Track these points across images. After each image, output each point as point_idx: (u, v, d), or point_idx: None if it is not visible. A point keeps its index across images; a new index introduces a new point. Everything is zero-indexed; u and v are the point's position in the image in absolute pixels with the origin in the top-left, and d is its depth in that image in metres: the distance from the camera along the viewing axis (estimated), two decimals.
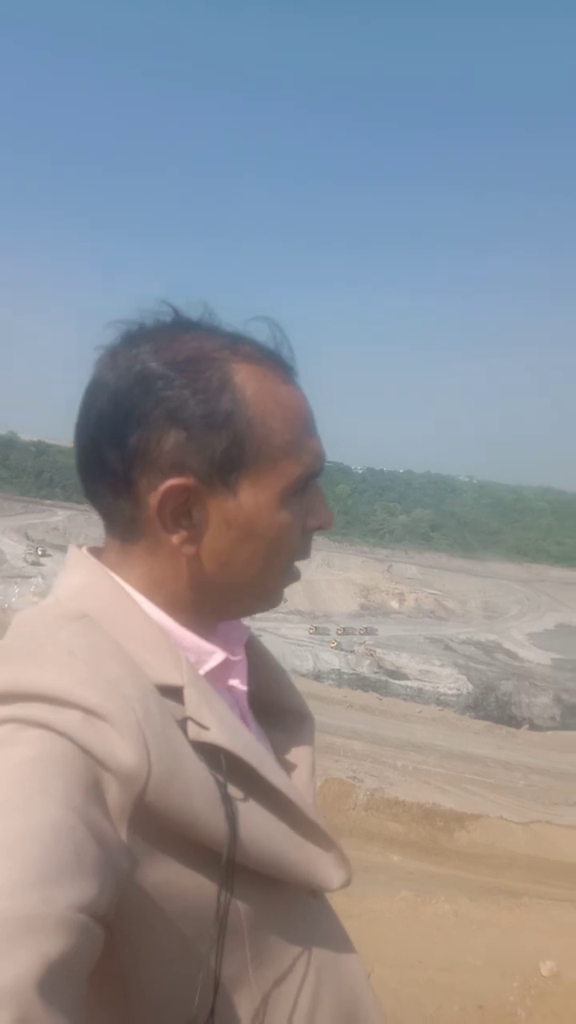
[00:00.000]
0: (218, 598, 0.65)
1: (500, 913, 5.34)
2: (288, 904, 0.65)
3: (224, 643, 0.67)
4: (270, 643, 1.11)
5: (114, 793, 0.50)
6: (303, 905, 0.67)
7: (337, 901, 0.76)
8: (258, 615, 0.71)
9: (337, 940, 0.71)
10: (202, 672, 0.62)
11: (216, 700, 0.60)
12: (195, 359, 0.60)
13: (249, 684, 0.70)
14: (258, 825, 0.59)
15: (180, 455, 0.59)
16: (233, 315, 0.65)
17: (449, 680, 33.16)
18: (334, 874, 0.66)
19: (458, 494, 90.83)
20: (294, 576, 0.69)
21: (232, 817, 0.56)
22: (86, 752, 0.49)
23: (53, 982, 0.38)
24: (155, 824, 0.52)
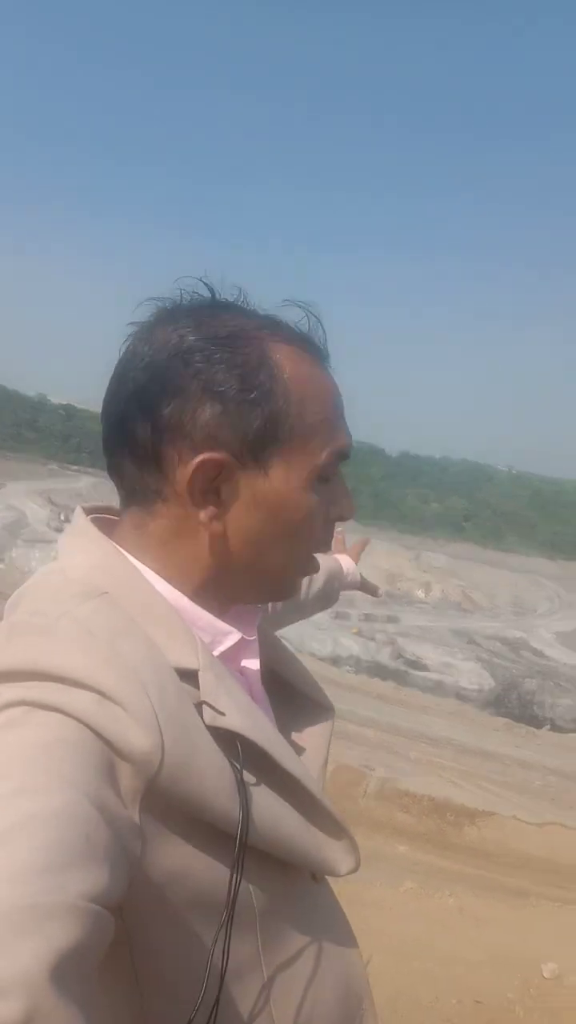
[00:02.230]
0: (236, 581, 0.64)
1: (505, 912, 5.32)
2: (296, 890, 0.66)
3: (238, 622, 0.66)
4: (291, 626, 1.09)
5: (127, 777, 0.50)
6: (308, 891, 0.68)
7: (340, 887, 0.76)
8: None
9: (340, 928, 0.72)
10: (216, 653, 0.62)
11: (232, 683, 0.60)
12: (235, 335, 0.60)
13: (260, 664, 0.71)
14: (270, 810, 0.59)
15: (214, 429, 0.59)
16: (267, 296, 0.66)
17: (471, 674, 32.92)
18: (343, 860, 0.67)
19: (494, 484, 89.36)
20: (313, 567, 0.68)
21: (246, 802, 0.55)
22: (99, 736, 0.49)
23: (64, 971, 0.38)
24: (168, 808, 0.52)
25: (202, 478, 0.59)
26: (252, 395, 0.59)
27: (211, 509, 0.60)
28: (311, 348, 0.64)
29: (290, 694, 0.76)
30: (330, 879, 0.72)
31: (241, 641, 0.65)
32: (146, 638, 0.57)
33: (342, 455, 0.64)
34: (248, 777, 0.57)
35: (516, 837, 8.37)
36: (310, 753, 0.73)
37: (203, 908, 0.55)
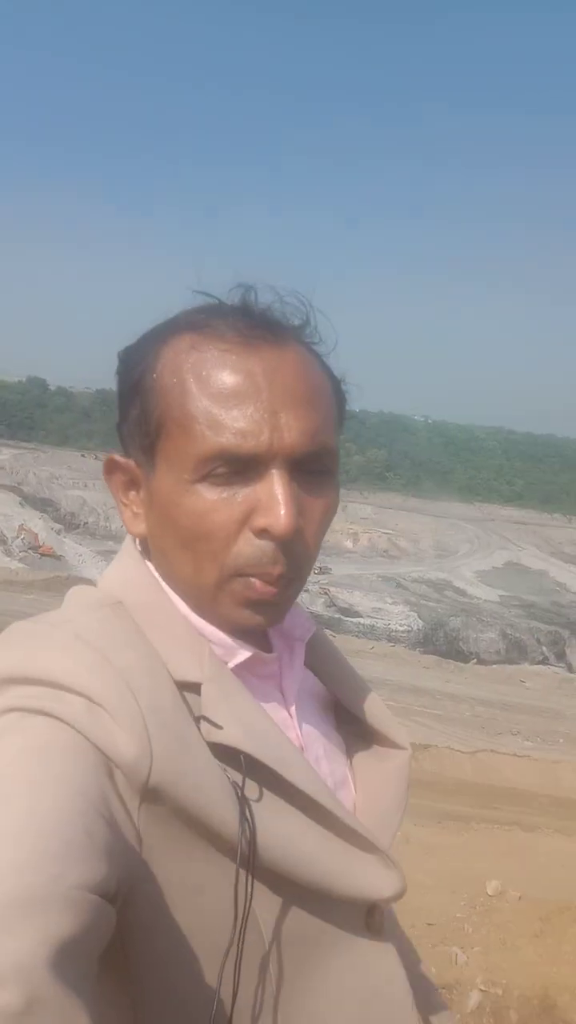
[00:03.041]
0: (184, 597, 0.61)
1: (449, 838, 5.64)
2: (334, 937, 0.59)
3: (281, 638, 0.67)
4: None
5: (122, 782, 0.49)
6: (355, 944, 0.61)
7: None
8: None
9: (391, 1001, 0.63)
10: (232, 665, 0.60)
11: (239, 696, 0.58)
12: (156, 332, 0.59)
13: (326, 685, 0.70)
14: (280, 827, 0.56)
15: (126, 437, 0.60)
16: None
17: (400, 617, 34.27)
18: (381, 882, 0.60)
19: (411, 434, 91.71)
20: (249, 591, 0.57)
21: (248, 817, 0.53)
22: (90, 741, 0.49)
23: (63, 960, 0.38)
24: (168, 816, 0.51)
25: (116, 484, 0.62)
26: (131, 390, 0.59)
27: (133, 513, 0.62)
28: (232, 331, 0.56)
29: (363, 729, 0.70)
30: None
31: (256, 656, 0.62)
32: (149, 648, 0.56)
33: (232, 452, 0.54)
34: (252, 793, 0.55)
35: (452, 766, 8.85)
36: (373, 795, 0.67)
37: (210, 927, 0.53)
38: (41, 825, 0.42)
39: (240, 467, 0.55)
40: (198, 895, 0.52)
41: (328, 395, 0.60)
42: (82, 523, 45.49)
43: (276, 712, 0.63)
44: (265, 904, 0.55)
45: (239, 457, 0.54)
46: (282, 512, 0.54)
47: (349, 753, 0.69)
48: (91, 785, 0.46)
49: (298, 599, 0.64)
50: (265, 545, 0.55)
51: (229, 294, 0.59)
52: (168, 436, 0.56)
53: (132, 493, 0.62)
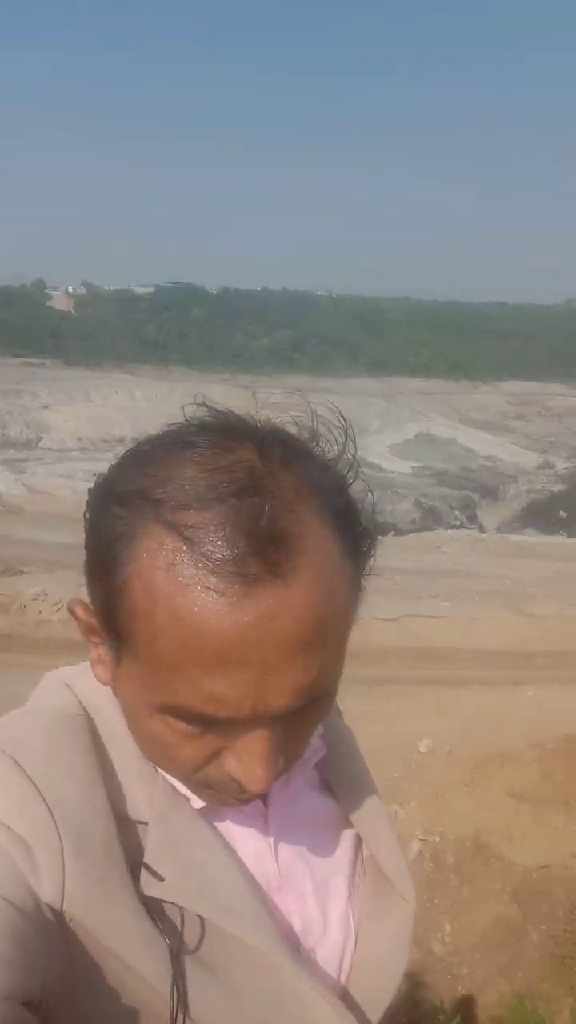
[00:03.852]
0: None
1: (381, 704, 5.89)
2: None
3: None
4: None
5: (49, 898, 0.48)
6: None
7: None
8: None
9: None
10: (198, 806, 0.56)
11: (191, 840, 0.54)
12: (130, 491, 0.47)
13: (340, 803, 0.65)
14: (218, 991, 0.52)
15: (89, 592, 0.51)
16: None
17: None
18: None
19: (317, 311, 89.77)
20: (224, 796, 0.52)
21: (179, 980, 0.50)
22: (15, 864, 0.48)
23: None
24: (95, 948, 0.49)
25: (80, 624, 0.54)
26: (103, 582, 0.48)
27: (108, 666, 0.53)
28: (217, 558, 0.43)
29: (378, 872, 0.65)
30: None
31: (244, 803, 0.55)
32: (94, 778, 0.53)
33: (203, 716, 0.46)
34: (193, 943, 0.52)
35: (377, 635, 9.22)
36: (372, 946, 0.63)
37: None
38: None
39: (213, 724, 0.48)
40: None
41: (345, 607, 0.49)
42: None
43: (253, 843, 0.59)
44: None
45: (214, 720, 0.47)
46: (258, 773, 0.48)
47: (371, 897, 0.65)
48: (19, 892, 0.46)
49: None
50: (231, 782, 0.50)
51: (231, 464, 0.45)
52: (134, 658, 0.47)
53: (97, 640, 0.52)
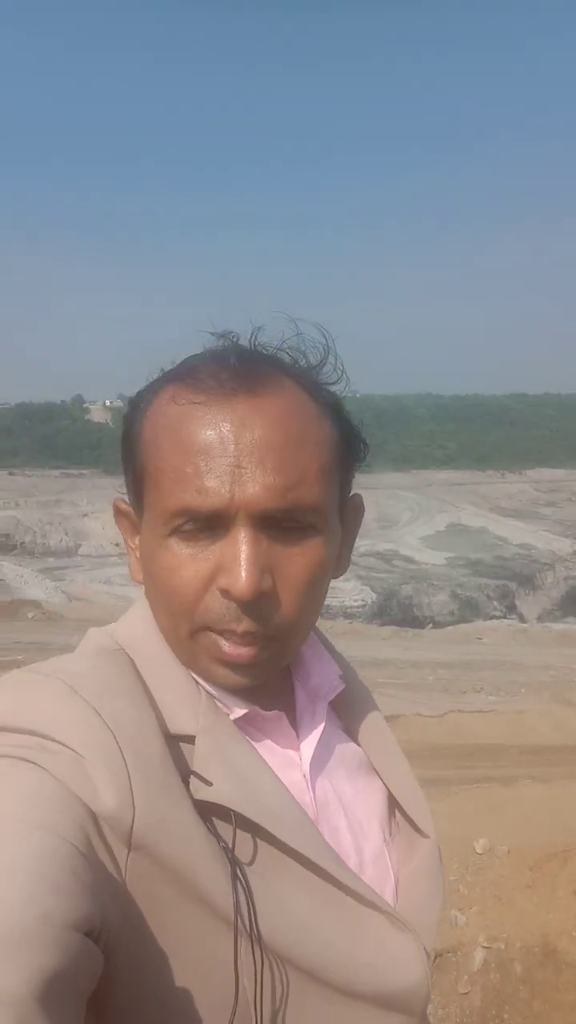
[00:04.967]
0: (172, 650, 0.61)
1: (433, 805, 5.70)
2: (350, 1016, 0.56)
3: (306, 695, 0.65)
4: None
5: (108, 833, 0.50)
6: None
7: None
8: None
9: None
10: (234, 717, 0.60)
11: (235, 750, 0.57)
12: (153, 381, 0.61)
13: (363, 750, 0.68)
14: (282, 896, 0.54)
15: (126, 479, 0.62)
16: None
17: (354, 592, 34.72)
18: (401, 962, 0.57)
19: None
20: (219, 651, 0.57)
21: (241, 878, 0.52)
22: (74, 792, 0.49)
23: (50, 995, 0.39)
24: (156, 871, 0.50)
25: (123, 528, 0.64)
26: (129, 446, 0.60)
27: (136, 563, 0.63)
28: (206, 380, 0.56)
29: (407, 822, 0.69)
30: None
31: (254, 713, 0.61)
32: (142, 699, 0.56)
33: (191, 511, 0.54)
34: (244, 854, 0.54)
35: (423, 732, 9.00)
36: (409, 881, 0.65)
37: (206, 996, 0.52)
38: (28, 865, 0.43)
39: (205, 524, 0.55)
40: (188, 956, 0.51)
41: (318, 444, 0.57)
42: (18, 543, 44.04)
43: (288, 774, 0.61)
44: (270, 983, 0.53)
45: (202, 514, 0.54)
46: (242, 574, 0.53)
47: (391, 842, 0.67)
48: (76, 832, 0.47)
49: (336, 650, 0.65)
50: (230, 603, 0.55)
51: (226, 338, 0.60)
52: (148, 489, 0.58)
53: (137, 539, 0.63)
